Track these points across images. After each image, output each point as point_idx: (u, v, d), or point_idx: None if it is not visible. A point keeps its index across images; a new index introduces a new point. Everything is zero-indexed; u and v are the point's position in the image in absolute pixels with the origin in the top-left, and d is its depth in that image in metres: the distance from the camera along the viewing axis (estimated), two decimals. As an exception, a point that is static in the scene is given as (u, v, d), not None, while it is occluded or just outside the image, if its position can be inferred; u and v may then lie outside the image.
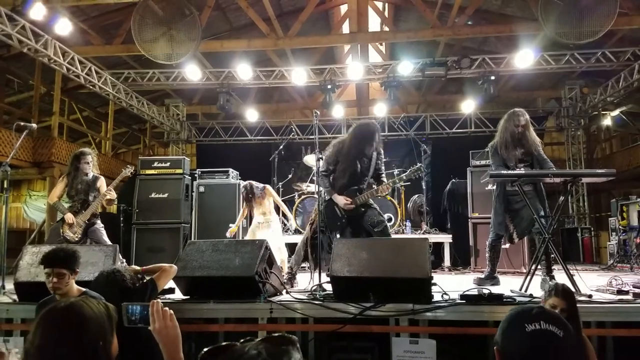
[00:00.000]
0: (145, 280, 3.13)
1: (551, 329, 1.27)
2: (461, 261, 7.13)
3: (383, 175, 4.45)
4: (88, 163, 5.06)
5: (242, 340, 1.12)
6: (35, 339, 1.33)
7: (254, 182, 5.45)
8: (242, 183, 5.59)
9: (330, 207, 4.26)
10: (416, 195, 8.67)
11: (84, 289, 2.79)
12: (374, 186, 4.29)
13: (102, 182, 5.10)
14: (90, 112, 11.91)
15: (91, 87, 8.40)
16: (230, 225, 5.72)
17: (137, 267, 3.28)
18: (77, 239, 4.85)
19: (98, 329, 1.38)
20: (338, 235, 4.35)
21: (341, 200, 4.18)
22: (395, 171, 8.43)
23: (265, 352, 1.03)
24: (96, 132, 12.04)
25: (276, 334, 1.13)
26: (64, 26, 7.08)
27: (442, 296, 3.41)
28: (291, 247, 6.52)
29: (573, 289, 3.54)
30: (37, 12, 6.55)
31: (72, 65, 7.61)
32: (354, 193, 4.21)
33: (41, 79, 9.20)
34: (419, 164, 4.30)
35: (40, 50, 6.84)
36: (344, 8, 10.23)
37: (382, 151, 4.47)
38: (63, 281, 2.65)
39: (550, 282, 3.24)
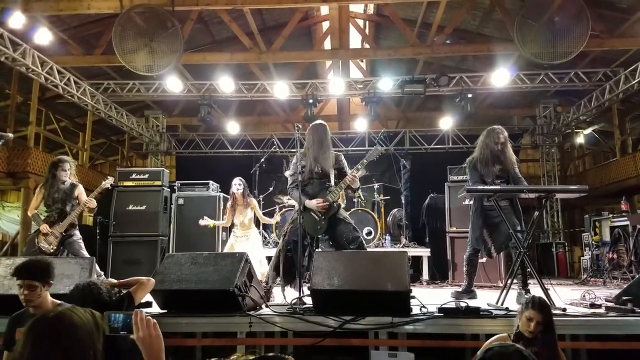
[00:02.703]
0: (121, 294, 3.08)
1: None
2: (439, 275, 7.20)
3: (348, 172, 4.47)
4: (65, 170, 4.97)
5: (233, 357, 1.09)
6: (24, 349, 1.30)
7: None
8: (235, 180, 5.56)
9: (307, 213, 4.31)
10: (396, 210, 8.75)
11: (58, 302, 2.73)
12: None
13: (80, 191, 5.01)
14: (68, 123, 11.71)
15: (69, 97, 8.28)
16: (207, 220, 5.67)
17: (114, 280, 3.22)
18: (52, 250, 4.73)
19: (87, 338, 1.37)
20: (317, 248, 4.35)
21: (313, 203, 4.24)
22: (376, 185, 8.53)
23: None
24: (73, 142, 11.83)
25: (271, 354, 1.11)
26: (43, 36, 7.01)
27: (420, 309, 3.43)
28: (269, 260, 6.50)
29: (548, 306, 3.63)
30: (16, 20, 6.48)
31: (51, 75, 7.51)
32: (325, 193, 4.28)
33: (18, 88, 9.03)
34: (375, 146, 4.43)
35: (18, 59, 6.73)
36: (325, 25, 10.39)
37: (341, 155, 4.55)
38: (35, 293, 2.59)
39: (526, 295, 3.30)
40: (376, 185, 8.52)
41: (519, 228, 4.17)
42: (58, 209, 4.90)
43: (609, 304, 3.59)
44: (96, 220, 7.52)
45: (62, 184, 4.95)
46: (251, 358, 1.04)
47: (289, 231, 4.36)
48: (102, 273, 5.21)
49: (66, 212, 4.89)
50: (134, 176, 7.04)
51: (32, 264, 2.68)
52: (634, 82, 7.68)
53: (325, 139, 4.39)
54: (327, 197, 4.22)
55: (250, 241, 5.29)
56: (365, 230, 7.39)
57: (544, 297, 3.35)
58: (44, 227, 4.77)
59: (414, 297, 3.45)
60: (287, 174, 4.61)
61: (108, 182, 5.10)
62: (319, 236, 4.33)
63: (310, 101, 9.05)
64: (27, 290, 2.58)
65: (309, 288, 3.58)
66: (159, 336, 1.57)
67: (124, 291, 3.10)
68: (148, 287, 3.20)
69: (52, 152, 10.78)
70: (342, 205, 4.44)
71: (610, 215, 7.51)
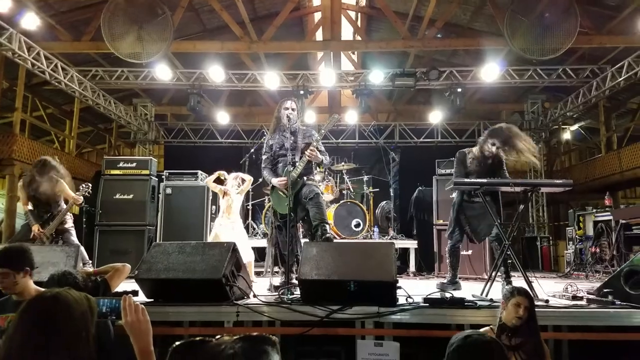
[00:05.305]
0: (97, 281, 3.09)
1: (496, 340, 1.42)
2: (426, 267, 7.27)
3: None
4: (47, 174, 4.88)
5: (217, 337, 1.09)
6: (18, 329, 1.32)
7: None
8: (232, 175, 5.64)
9: (275, 192, 4.39)
10: (384, 202, 8.80)
11: (43, 290, 2.72)
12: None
13: (61, 186, 4.93)
14: (55, 110, 11.53)
15: (57, 83, 8.16)
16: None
17: (90, 269, 3.23)
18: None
19: (81, 319, 1.39)
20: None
21: (276, 181, 4.31)
22: (365, 178, 8.57)
23: (241, 352, 1.01)
24: (60, 130, 11.66)
25: (255, 333, 1.11)
26: (30, 21, 6.89)
27: (406, 299, 3.48)
28: (258, 251, 6.53)
29: (532, 295, 3.70)
30: (2, 4, 6.36)
31: (38, 60, 7.38)
32: (288, 170, 4.27)
33: (4, 73, 8.86)
34: (333, 115, 4.47)
35: (4, 44, 6.61)
36: (317, 16, 10.33)
37: (312, 130, 4.54)
38: (8, 281, 2.54)
39: (507, 287, 3.36)
40: (365, 178, 8.55)
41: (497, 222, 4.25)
42: (45, 209, 4.89)
43: (591, 296, 3.67)
44: (82, 209, 7.45)
45: (44, 183, 4.87)
46: (235, 337, 1.05)
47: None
48: (90, 262, 5.20)
49: (53, 213, 4.87)
50: (121, 165, 6.98)
51: (3, 251, 2.65)
52: (620, 80, 7.78)
53: (289, 115, 4.36)
54: (291, 173, 4.19)
55: (235, 230, 5.28)
56: (353, 222, 7.43)
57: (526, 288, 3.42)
58: (36, 229, 4.77)
59: (400, 288, 3.49)
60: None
61: (85, 190, 5.02)
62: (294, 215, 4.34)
63: (302, 92, 9.02)
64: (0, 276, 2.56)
65: (296, 278, 3.61)
66: (147, 321, 1.59)
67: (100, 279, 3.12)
68: (124, 273, 3.21)
69: (38, 140, 10.61)
70: (320, 180, 4.45)
71: (594, 210, 7.62)
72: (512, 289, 2.83)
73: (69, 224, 5.02)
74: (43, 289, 2.70)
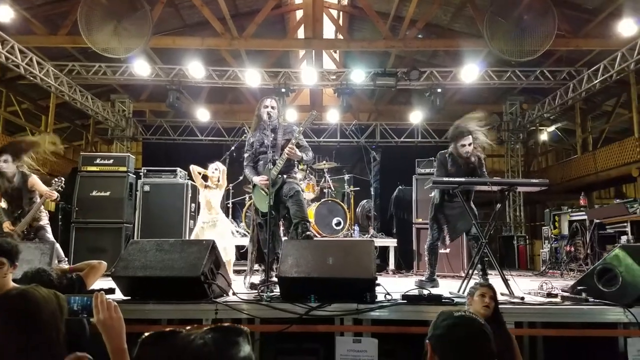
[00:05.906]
0: (72, 278, 3.03)
1: (475, 316, 1.42)
2: (405, 264, 7.34)
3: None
4: (7, 162, 4.68)
5: (188, 328, 1.08)
6: None
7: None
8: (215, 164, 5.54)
9: (257, 190, 4.38)
10: (365, 201, 8.84)
11: (18, 286, 2.66)
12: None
13: (33, 181, 4.77)
14: (30, 105, 11.24)
15: (32, 78, 7.96)
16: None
17: (65, 266, 3.17)
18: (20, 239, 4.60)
19: (51, 317, 1.35)
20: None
21: (257, 179, 4.31)
22: (346, 176, 8.59)
23: (212, 342, 0.99)
24: (35, 126, 11.38)
25: (226, 324, 1.10)
26: (4, 13, 6.74)
27: (385, 296, 3.50)
28: (239, 249, 6.47)
29: (508, 292, 3.77)
30: (-27, -5, 6.17)
31: (12, 54, 7.19)
32: (269, 169, 4.25)
33: (-25, 67, 8.62)
34: (311, 112, 4.43)
35: (-25, 36, 6.43)
36: (299, 13, 10.31)
37: (293, 126, 4.49)
38: (1, 272, 2.52)
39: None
40: (346, 177, 8.58)
41: (473, 221, 4.31)
42: (17, 205, 4.73)
43: (565, 294, 3.74)
44: (58, 205, 7.29)
45: (9, 181, 4.70)
46: (205, 328, 1.03)
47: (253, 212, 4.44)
48: (66, 259, 5.08)
49: (24, 209, 4.72)
50: (98, 161, 6.85)
51: (3, 242, 2.62)
52: (595, 82, 7.97)
53: (269, 113, 4.32)
54: (272, 171, 4.19)
55: (217, 228, 5.20)
56: (334, 221, 7.44)
57: (502, 287, 3.47)
58: (6, 226, 4.62)
59: (379, 285, 3.51)
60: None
61: (58, 184, 4.88)
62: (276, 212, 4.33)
63: (283, 90, 8.99)
64: None
65: (276, 275, 3.59)
66: (120, 318, 1.55)
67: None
68: (100, 270, 3.16)
69: (12, 135, 10.34)
70: (301, 178, 4.43)
71: (569, 210, 7.79)
72: (474, 284, 2.96)
73: (45, 220, 4.88)
74: (20, 286, 2.65)
